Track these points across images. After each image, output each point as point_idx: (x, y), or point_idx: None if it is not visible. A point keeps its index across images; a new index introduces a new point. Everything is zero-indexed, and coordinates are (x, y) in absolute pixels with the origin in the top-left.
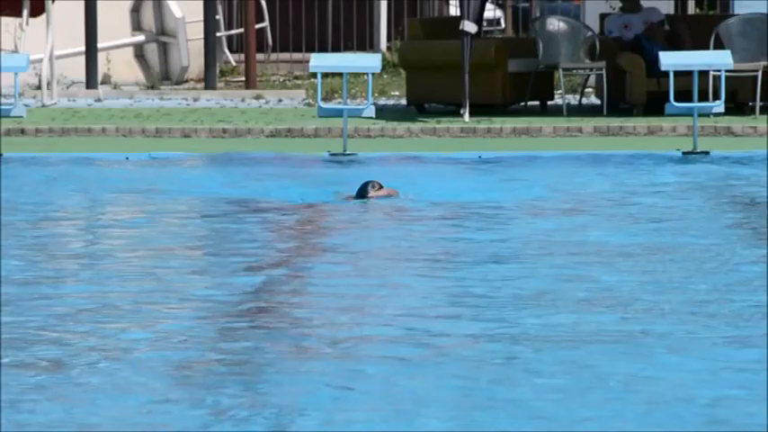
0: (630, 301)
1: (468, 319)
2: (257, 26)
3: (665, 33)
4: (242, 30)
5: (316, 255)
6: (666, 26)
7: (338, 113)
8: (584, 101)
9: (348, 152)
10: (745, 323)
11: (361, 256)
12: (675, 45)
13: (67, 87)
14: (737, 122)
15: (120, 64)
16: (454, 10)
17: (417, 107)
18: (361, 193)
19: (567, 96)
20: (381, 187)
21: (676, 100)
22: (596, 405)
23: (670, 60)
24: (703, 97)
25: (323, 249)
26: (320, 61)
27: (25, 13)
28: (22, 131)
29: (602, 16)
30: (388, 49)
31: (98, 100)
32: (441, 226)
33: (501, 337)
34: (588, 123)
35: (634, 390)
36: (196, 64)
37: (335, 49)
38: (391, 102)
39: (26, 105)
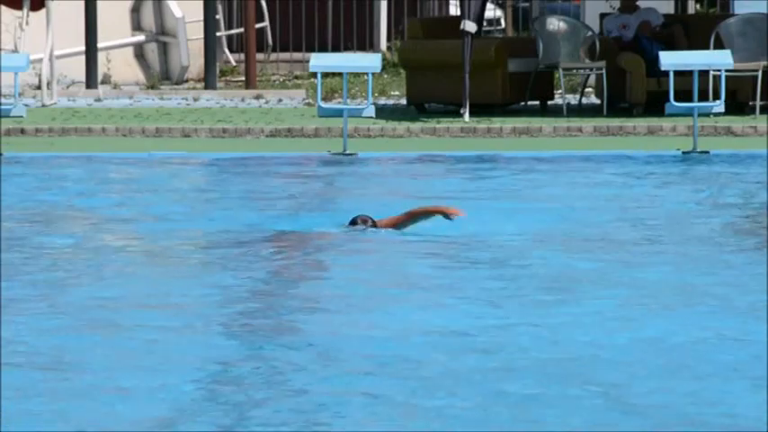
0: (630, 300)
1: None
2: (257, 26)
3: (660, 34)
4: (242, 30)
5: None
6: (658, 26)
7: (338, 113)
8: (585, 101)
9: (348, 152)
10: (745, 323)
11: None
12: (670, 46)
13: (67, 87)
14: (737, 122)
15: (120, 64)
16: (454, 10)
17: (417, 107)
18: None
19: (567, 96)
20: (373, 221)
21: (676, 100)
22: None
23: (670, 60)
24: (703, 97)
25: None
26: (320, 61)
27: (25, 10)
28: (22, 131)
29: (602, 16)
30: (388, 49)
31: (98, 100)
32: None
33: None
34: (588, 123)
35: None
36: (196, 64)
37: (335, 49)
38: (391, 102)
39: (26, 105)
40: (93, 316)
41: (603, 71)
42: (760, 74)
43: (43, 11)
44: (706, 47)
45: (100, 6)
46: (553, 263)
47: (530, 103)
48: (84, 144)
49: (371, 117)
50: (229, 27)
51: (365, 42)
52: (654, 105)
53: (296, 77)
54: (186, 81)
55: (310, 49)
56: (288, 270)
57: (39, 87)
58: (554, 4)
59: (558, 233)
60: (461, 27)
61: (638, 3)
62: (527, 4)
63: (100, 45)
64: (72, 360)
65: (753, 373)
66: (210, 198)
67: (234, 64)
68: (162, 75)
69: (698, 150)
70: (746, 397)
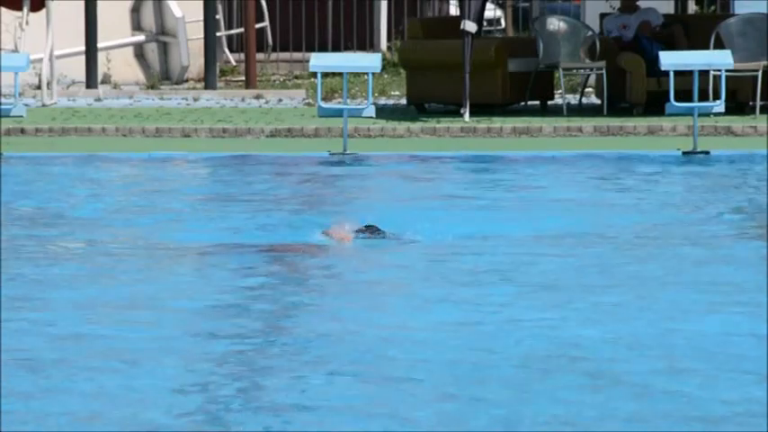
0: (627, 300)
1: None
2: (257, 26)
3: (660, 34)
4: (242, 29)
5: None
6: (658, 26)
7: (338, 113)
8: (585, 101)
9: (348, 152)
10: (745, 323)
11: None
12: (670, 46)
13: (67, 87)
14: (737, 122)
15: (120, 64)
16: (454, 10)
17: (417, 107)
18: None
19: (567, 96)
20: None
21: (676, 100)
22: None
23: (670, 60)
24: (703, 97)
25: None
26: (320, 61)
27: (25, 10)
28: (22, 131)
29: (602, 16)
30: (388, 49)
31: (98, 100)
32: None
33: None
34: (588, 123)
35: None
36: (196, 64)
37: (335, 49)
38: (391, 102)
39: (26, 105)
40: (84, 318)
41: (603, 71)
42: (760, 74)
43: (43, 11)
44: (706, 47)
45: (100, 6)
46: (552, 263)
47: (530, 103)
48: (84, 144)
49: (371, 117)
50: (229, 27)
51: (365, 42)
52: (654, 105)
53: (296, 77)
54: (186, 81)
55: (310, 49)
56: (286, 271)
57: (39, 87)
58: (554, 4)
59: (558, 233)
60: (461, 27)
61: (638, 3)
62: (527, 4)
63: (100, 45)
64: (69, 360)
65: (755, 371)
66: (209, 198)
67: (234, 64)
68: (162, 75)
69: (698, 150)
70: (745, 395)
